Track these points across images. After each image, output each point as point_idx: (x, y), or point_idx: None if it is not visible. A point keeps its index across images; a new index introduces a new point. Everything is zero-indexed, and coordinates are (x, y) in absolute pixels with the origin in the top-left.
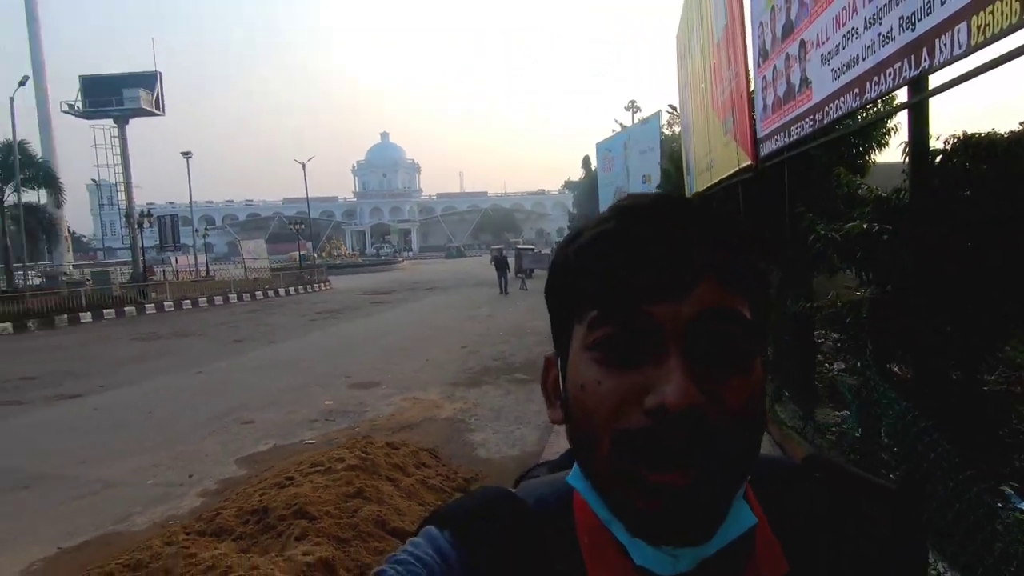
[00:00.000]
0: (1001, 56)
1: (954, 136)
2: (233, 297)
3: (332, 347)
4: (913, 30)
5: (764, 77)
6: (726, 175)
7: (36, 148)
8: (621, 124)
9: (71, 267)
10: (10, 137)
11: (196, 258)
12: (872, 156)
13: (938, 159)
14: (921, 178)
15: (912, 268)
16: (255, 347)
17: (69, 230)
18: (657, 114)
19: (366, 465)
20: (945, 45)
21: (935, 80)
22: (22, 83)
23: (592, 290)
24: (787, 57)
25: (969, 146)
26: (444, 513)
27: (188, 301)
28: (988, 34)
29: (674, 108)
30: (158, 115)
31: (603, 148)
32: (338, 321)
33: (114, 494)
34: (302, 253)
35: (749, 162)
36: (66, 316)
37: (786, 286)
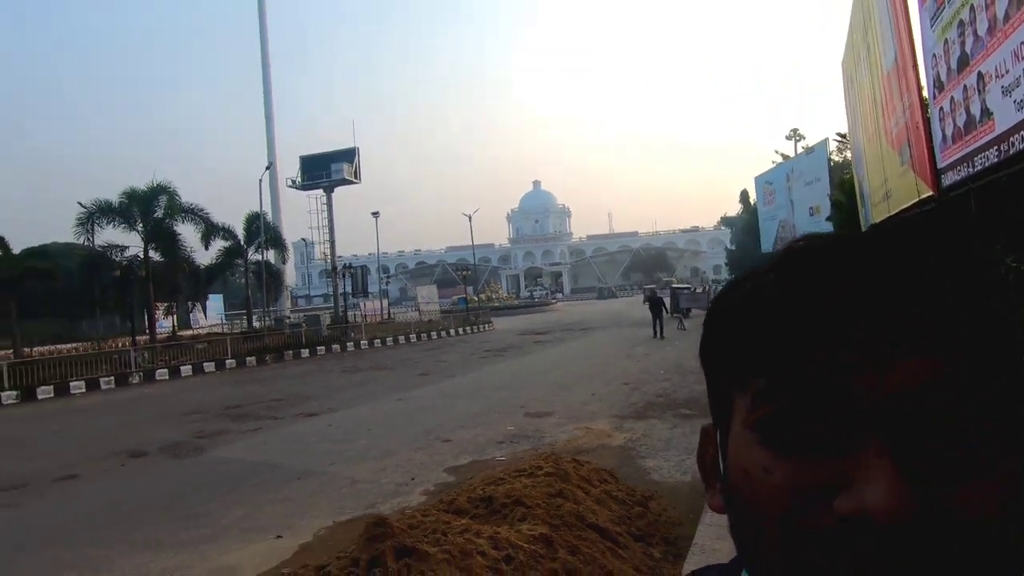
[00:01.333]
0: None
1: None
2: (412, 337)
3: (504, 381)
4: None
5: (941, 108)
6: (905, 206)
7: (270, 217)
8: (783, 155)
9: (290, 312)
10: (252, 209)
11: (380, 303)
12: None
13: None
14: None
15: None
16: (438, 379)
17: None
18: (824, 142)
19: (560, 473)
20: None
21: None
22: (268, 168)
23: (758, 353)
24: (965, 88)
25: None
26: None
27: (378, 340)
28: None
29: (842, 136)
30: (356, 183)
31: (763, 181)
32: (504, 358)
33: (360, 488)
34: (463, 297)
35: (930, 192)
36: (290, 352)
37: None
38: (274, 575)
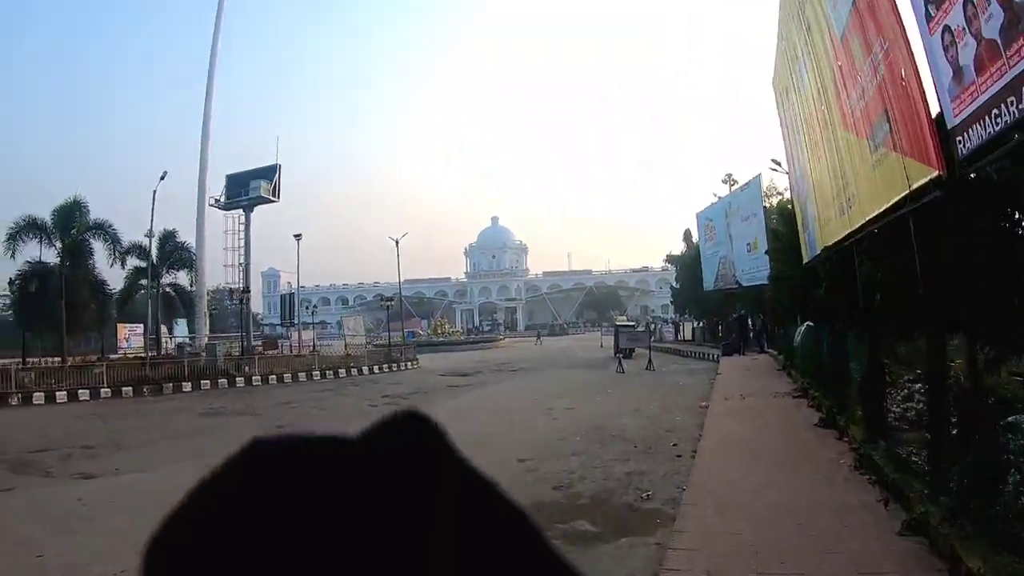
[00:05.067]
0: None
1: None
2: (316, 374)
3: None
4: None
5: (946, 29)
6: (884, 207)
7: (183, 236)
8: (719, 197)
9: (206, 339)
10: (171, 228)
11: (299, 335)
12: None
13: None
14: None
15: None
16: None
17: (210, 307)
18: (757, 178)
19: None
20: None
21: None
22: (162, 178)
23: None
24: None
25: None
26: None
27: (274, 376)
28: None
29: (777, 163)
30: (275, 202)
31: (704, 217)
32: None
33: None
34: (412, 331)
35: (933, 172)
36: (171, 384)
37: None
38: None
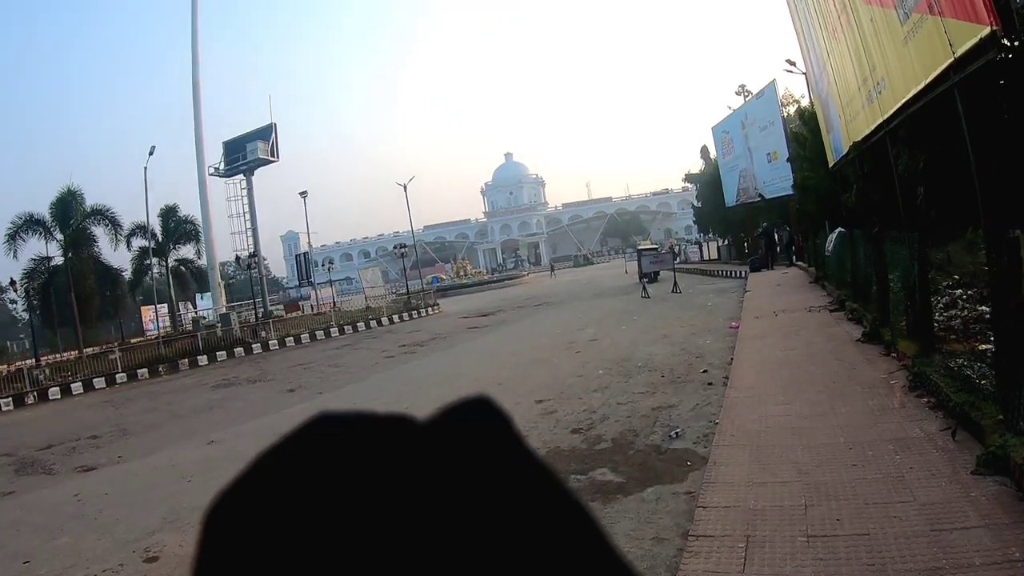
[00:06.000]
0: None
1: None
2: (334, 331)
3: (369, 402)
4: None
5: None
6: (922, 86)
7: (186, 210)
8: (733, 109)
9: (222, 310)
10: (173, 203)
11: (316, 293)
12: None
13: None
14: None
15: None
16: (299, 400)
17: (223, 277)
18: (772, 84)
19: None
20: None
21: None
22: (151, 153)
23: None
24: None
25: None
26: None
27: (291, 338)
28: None
29: (792, 63)
30: (274, 162)
31: (720, 131)
32: (411, 358)
33: None
34: (436, 276)
35: (985, 30)
36: (186, 360)
37: None
38: None
